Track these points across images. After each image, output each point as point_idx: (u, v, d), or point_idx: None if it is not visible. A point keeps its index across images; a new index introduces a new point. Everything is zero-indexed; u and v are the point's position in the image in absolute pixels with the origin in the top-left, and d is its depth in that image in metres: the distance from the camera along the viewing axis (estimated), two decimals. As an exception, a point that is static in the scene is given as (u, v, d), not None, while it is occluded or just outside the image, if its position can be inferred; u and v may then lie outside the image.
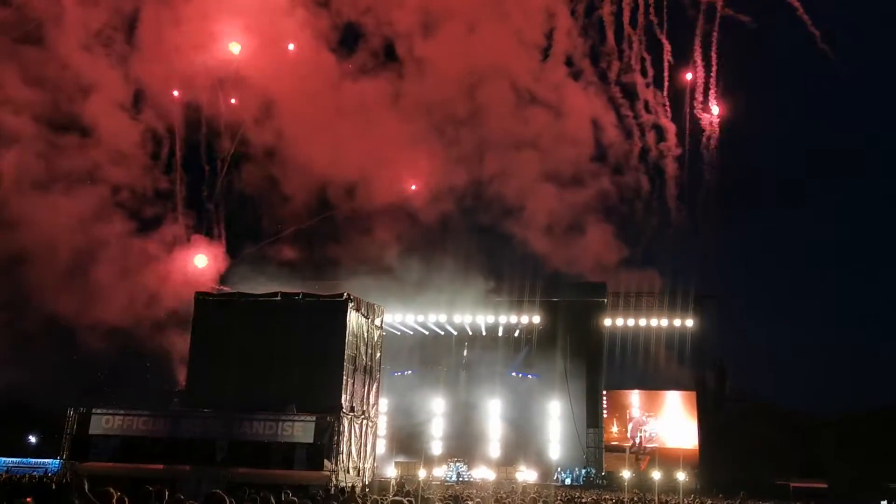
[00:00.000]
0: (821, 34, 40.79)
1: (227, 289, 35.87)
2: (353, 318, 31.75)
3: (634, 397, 41.54)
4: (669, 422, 41.07)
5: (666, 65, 42.76)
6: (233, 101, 41.31)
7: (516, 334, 41.36)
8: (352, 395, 31.12)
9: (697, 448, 39.90)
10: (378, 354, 34.09)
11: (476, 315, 38.92)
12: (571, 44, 43.08)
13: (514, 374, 42.08)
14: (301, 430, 28.51)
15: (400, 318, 38.47)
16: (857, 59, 42.42)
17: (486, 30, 42.03)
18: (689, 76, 42.22)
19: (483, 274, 38.34)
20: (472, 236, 40.83)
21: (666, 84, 42.92)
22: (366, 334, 32.95)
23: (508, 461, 39.80)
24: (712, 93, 42.52)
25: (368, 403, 33.16)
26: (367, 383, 32.82)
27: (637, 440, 40.70)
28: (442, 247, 38.56)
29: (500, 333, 41.40)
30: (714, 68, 42.20)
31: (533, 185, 41.35)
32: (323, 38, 42.83)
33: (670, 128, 43.46)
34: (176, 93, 40.28)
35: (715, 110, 42.25)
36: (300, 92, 42.24)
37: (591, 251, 41.70)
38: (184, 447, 28.07)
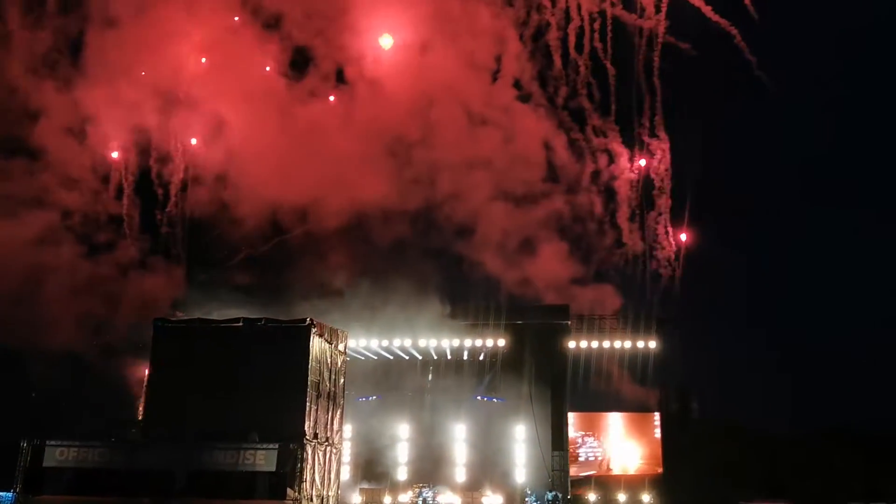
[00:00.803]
0: (756, 61, 43.26)
1: (180, 314, 36.13)
2: (317, 344, 32.06)
3: (599, 419, 42.22)
4: (634, 443, 41.62)
5: (612, 90, 44.86)
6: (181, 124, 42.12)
7: (481, 358, 42.00)
8: (315, 422, 31.32)
9: (661, 469, 40.57)
10: (342, 380, 34.22)
11: (440, 339, 39.23)
12: (520, 67, 44.77)
13: (479, 398, 42.44)
14: (263, 458, 28.59)
15: (364, 343, 38.69)
16: (790, 84, 44.88)
17: (436, 52, 43.53)
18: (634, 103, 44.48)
19: (442, 298, 39.14)
20: (428, 259, 42.05)
21: (613, 108, 45.06)
22: (329, 360, 33.24)
23: (474, 486, 39.94)
24: (657, 118, 44.62)
25: (332, 430, 33.30)
26: (330, 409, 32.98)
27: (601, 462, 41.73)
28: (398, 270, 39.63)
29: (465, 357, 41.77)
30: (658, 94, 44.40)
31: (486, 206, 42.73)
32: (273, 60, 44.10)
33: (621, 151, 45.44)
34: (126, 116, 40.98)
35: (662, 135, 44.39)
36: (250, 114, 43.12)
37: (548, 272, 43.13)
38: (141, 479, 28.02)
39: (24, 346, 34.30)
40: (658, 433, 41.51)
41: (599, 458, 41.50)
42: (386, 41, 42.56)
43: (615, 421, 42.13)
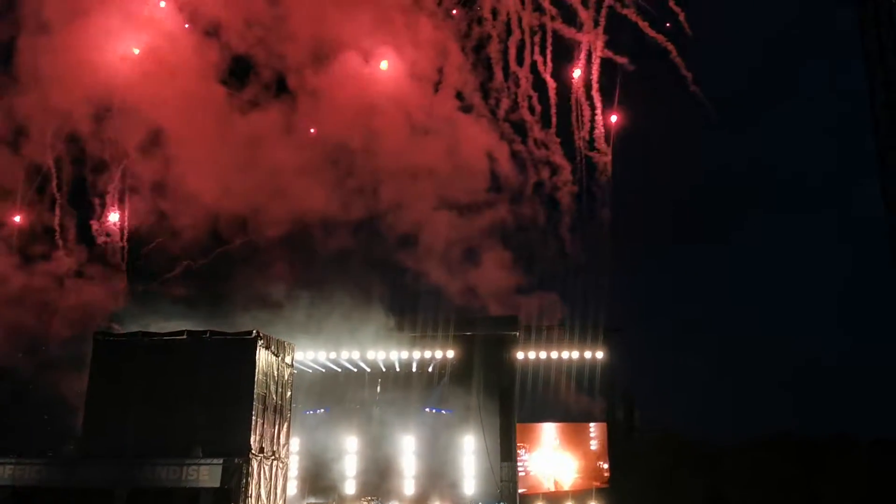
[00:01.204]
0: (692, 76, 45.29)
1: (117, 327, 35.72)
2: (263, 357, 32.03)
3: (547, 430, 43.11)
4: (580, 453, 42.28)
5: (553, 103, 46.35)
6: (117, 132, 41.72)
7: (430, 369, 42.48)
8: (261, 436, 31.30)
9: (607, 479, 41.50)
10: (289, 393, 34.32)
11: (388, 351, 39.48)
12: (462, 79, 45.85)
13: (427, 409, 42.89)
14: (207, 474, 28.37)
15: (311, 355, 38.71)
16: (725, 100, 47.37)
17: (378, 62, 44.19)
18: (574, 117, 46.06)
19: (388, 309, 39.58)
20: (373, 270, 42.59)
21: (553, 121, 46.47)
22: (276, 372, 33.26)
23: (423, 498, 40.43)
24: (597, 132, 46.22)
25: (279, 444, 33.29)
26: (277, 423, 32.97)
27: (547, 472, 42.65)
28: (343, 281, 40.07)
29: (413, 369, 42.07)
30: (598, 108, 46.03)
31: (430, 215, 43.50)
32: (212, 69, 44.14)
33: (562, 163, 46.85)
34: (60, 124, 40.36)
35: (603, 148, 46.01)
36: (188, 123, 42.97)
37: (492, 281, 44.09)
38: (80, 497, 27.65)
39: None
40: (594, 445, 42.40)
41: (531, 473, 41.67)
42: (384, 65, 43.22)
43: (548, 432, 42.64)
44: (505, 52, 46.08)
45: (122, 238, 40.17)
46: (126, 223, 40.83)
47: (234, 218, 42.53)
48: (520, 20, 46.24)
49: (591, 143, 46.00)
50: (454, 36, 45.68)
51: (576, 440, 42.60)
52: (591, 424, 42.68)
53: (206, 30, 43.75)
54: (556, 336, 42.58)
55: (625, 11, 45.33)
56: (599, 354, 42.48)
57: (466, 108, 45.47)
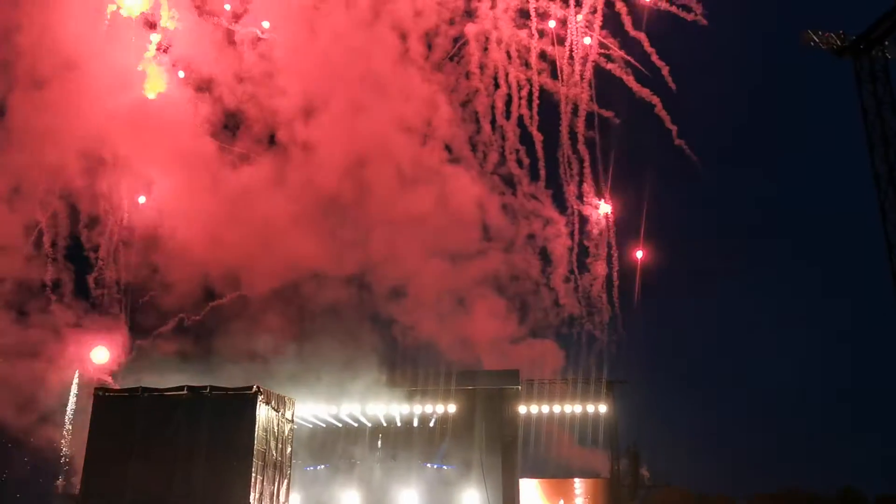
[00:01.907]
0: (677, 130, 47.50)
1: (109, 381, 36.35)
2: (263, 412, 32.56)
3: (550, 485, 43.36)
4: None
5: (541, 156, 48.39)
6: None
7: (432, 424, 43.09)
8: (261, 493, 31.50)
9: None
10: (289, 449, 34.66)
11: (389, 406, 40.19)
12: (451, 132, 47.66)
13: (429, 465, 43.30)
14: (206, 532, 29.31)
15: (311, 410, 39.50)
16: (711, 153, 49.44)
17: (367, 114, 45.54)
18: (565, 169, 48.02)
19: (388, 363, 40.55)
20: (372, 324, 43.74)
21: (542, 174, 48.34)
22: (276, 428, 33.82)
23: (425, 554, 40.89)
24: (585, 186, 48.15)
25: (278, 501, 33.36)
26: (276, 480, 33.25)
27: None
28: (342, 335, 41.14)
29: (415, 424, 42.72)
30: (586, 161, 48.08)
31: (422, 266, 44.81)
32: (205, 123, 45.94)
33: (554, 215, 48.56)
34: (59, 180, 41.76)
35: (593, 201, 47.87)
36: (180, 177, 44.57)
37: (488, 331, 45.32)
38: (77, 556, 28.22)
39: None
40: (580, 502, 42.69)
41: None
42: None
43: (528, 488, 42.77)
44: (493, 105, 48.63)
45: (119, 291, 41.35)
46: (121, 277, 42.07)
47: (225, 272, 43.96)
48: (507, 74, 48.75)
49: (579, 195, 48.02)
50: (442, 89, 48.05)
51: (561, 497, 43.06)
52: (576, 480, 43.26)
53: (198, 85, 46.06)
54: (559, 389, 43.59)
55: (609, 66, 48.00)
56: (603, 408, 43.35)
57: (455, 160, 47.64)
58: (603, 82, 47.77)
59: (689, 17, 45.96)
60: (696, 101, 49.00)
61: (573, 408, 43.40)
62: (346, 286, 43.86)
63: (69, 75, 40.69)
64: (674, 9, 46.06)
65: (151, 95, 42.98)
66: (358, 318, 42.59)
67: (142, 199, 43.98)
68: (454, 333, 43.63)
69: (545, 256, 47.83)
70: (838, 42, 39.05)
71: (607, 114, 47.70)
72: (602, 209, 47.69)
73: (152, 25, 44.86)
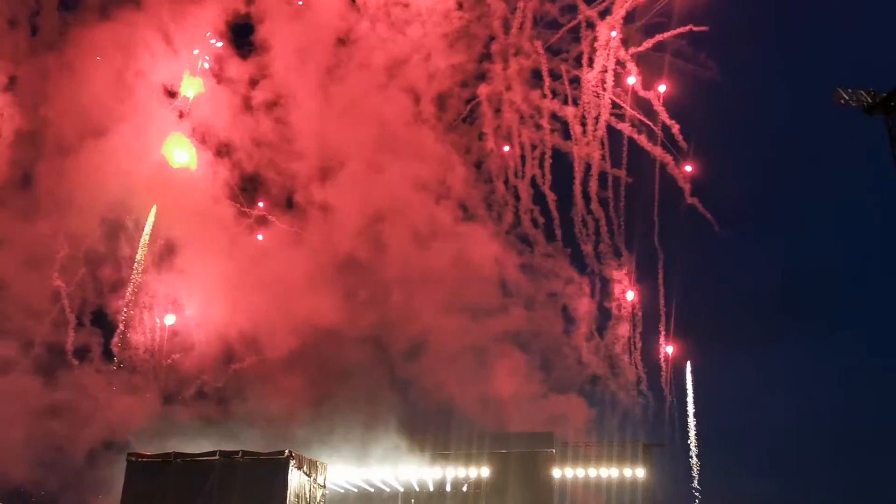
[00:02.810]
0: (690, 189, 49.24)
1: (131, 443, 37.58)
2: (295, 477, 33.31)
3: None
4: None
5: (555, 215, 50.25)
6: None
7: (465, 489, 43.15)
8: (294, 561, 32.65)
9: None
10: (321, 514, 35.98)
11: (422, 469, 40.59)
12: (465, 191, 49.50)
13: (462, 531, 44.07)
14: None
15: (343, 474, 39.81)
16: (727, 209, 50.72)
17: (382, 174, 47.59)
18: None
19: (414, 425, 41.46)
20: (394, 383, 44.90)
21: (558, 233, 49.71)
22: (308, 493, 34.25)
23: None
24: (603, 246, 49.86)
25: (312, 568, 34.57)
26: (309, 546, 34.49)
27: None
28: (364, 396, 42.42)
29: (447, 488, 42.58)
30: (603, 220, 49.81)
31: (443, 324, 45.87)
32: (225, 187, 48.29)
33: (572, 274, 50.00)
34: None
35: (611, 262, 49.44)
36: (201, 242, 46.57)
37: (515, 390, 46.12)
38: None
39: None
40: None
41: None
42: None
43: None
44: (505, 167, 50.82)
45: (152, 356, 42.87)
46: (150, 340, 43.64)
47: (245, 335, 45.43)
48: (519, 134, 51.08)
49: (596, 255, 49.59)
50: (456, 149, 50.32)
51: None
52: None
53: (217, 150, 48.57)
54: (594, 452, 44.24)
55: (620, 126, 50.28)
56: (640, 472, 43.86)
57: (470, 218, 49.53)
58: (616, 142, 50.00)
59: (706, 74, 48.49)
60: (715, 159, 50.67)
61: (609, 471, 43.78)
62: (369, 346, 44.97)
63: (93, 143, 43.21)
64: (689, 66, 48.68)
65: (172, 162, 45.34)
66: (381, 379, 43.64)
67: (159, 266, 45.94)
68: (478, 391, 44.54)
69: (566, 315, 49.15)
70: (869, 99, 39.70)
71: (619, 173, 49.70)
72: (629, 296, 49.36)
73: (172, 94, 47.82)
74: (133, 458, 32.69)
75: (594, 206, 49.61)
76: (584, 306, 49.51)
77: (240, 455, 33.22)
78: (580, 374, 47.18)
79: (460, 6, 50.79)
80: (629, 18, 49.33)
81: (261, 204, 48.85)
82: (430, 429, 42.47)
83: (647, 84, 49.16)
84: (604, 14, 49.65)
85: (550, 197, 49.83)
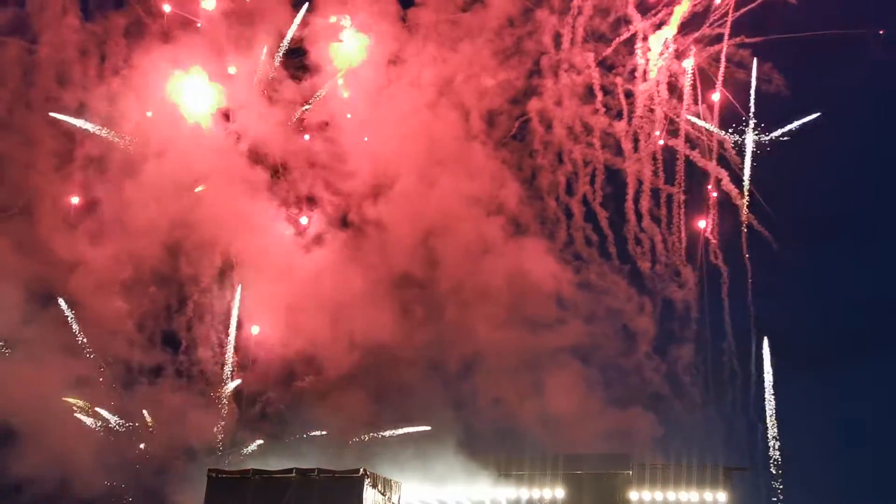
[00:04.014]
0: (757, 219, 50.18)
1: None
2: (370, 496, 34.69)
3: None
4: None
5: (608, 233, 51.86)
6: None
7: (539, 511, 45.06)
8: (369, 577, 34.16)
9: None
10: (396, 533, 37.14)
11: (496, 490, 41.90)
12: (518, 207, 51.00)
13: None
14: None
15: (417, 493, 40.84)
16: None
17: (434, 190, 49.83)
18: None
19: (487, 444, 43.21)
20: (463, 400, 46.34)
21: (614, 252, 51.24)
22: (382, 512, 36.72)
23: None
24: (658, 267, 51.24)
25: (387, 586, 36.00)
26: (384, 564, 35.98)
27: None
28: (436, 414, 44.18)
29: (521, 510, 44.95)
30: (658, 236, 51.31)
31: (508, 342, 47.39)
32: (281, 207, 50.78)
33: (630, 293, 51.36)
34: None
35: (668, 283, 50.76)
36: (257, 262, 49.16)
37: (582, 407, 47.31)
38: None
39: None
40: None
41: None
42: None
43: None
44: (556, 184, 52.74)
45: (226, 375, 45.77)
46: (216, 357, 46.61)
47: (305, 354, 47.71)
48: (570, 151, 53.08)
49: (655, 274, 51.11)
50: (507, 166, 52.36)
51: None
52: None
53: (272, 171, 51.43)
54: (672, 474, 45.25)
55: (672, 142, 52.14)
56: (721, 496, 44.61)
57: (523, 233, 51.40)
58: (670, 156, 51.66)
59: (771, 88, 50.06)
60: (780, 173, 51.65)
61: (689, 496, 44.61)
62: (429, 364, 47.06)
63: (153, 166, 46.49)
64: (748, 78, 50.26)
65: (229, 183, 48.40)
66: (446, 396, 45.50)
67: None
68: (542, 409, 45.91)
69: (628, 332, 50.57)
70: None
71: (674, 190, 51.39)
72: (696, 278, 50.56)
73: (227, 116, 50.87)
74: (213, 474, 34.65)
75: (646, 223, 51.16)
76: (644, 324, 50.81)
77: (316, 473, 34.96)
78: (649, 393, 48.40)
79: (511, 23, 53.01)
80: (684, 29, 51.23)
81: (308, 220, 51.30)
82: (498, 447, 43.70)
83: (703, 96, 50.77)
84: (659, 25, 51.27)
85: (602, 214, 51.49)
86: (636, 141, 51.96)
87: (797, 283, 52.72)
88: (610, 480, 43.66)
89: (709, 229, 50.73)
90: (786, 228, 50.57)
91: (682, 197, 50.71)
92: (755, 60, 49.28)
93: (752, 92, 49.52)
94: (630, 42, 51.85)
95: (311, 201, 51.13)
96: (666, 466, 44.64)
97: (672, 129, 51.86)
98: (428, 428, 42.49)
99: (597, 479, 43.54)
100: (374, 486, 35.43)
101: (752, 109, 49.74)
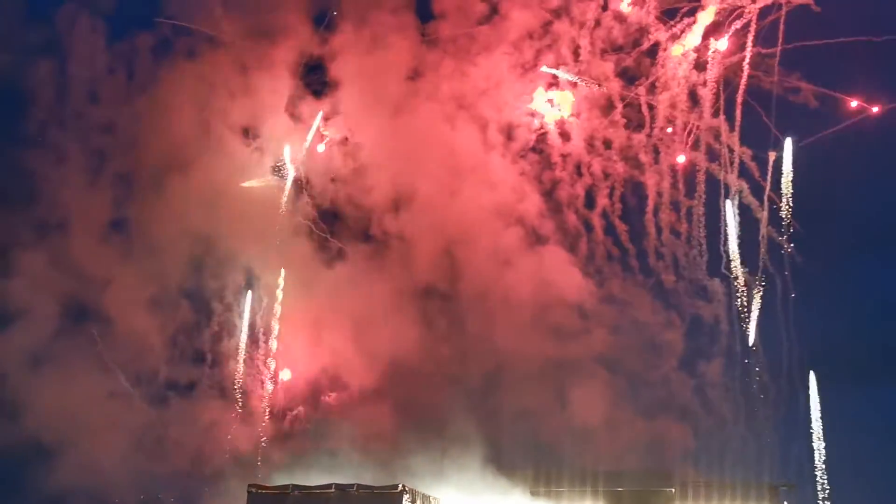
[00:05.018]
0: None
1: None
2: (408, 511, 36.75)
3: None
4: None
5: (627, 245, 52.64)
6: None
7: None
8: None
9: None
10: (435, 549, 38.18)
11: (536, 505, 42.02)
12: (537, 220, 51.99)
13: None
14: None
15: None
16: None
17: (453, 201, 51.08)
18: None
19: (526, 459, 44.34)
20: (496, 415, 47.24)
21: (635, 264, 51.88)
22: (420, 528, 37.53)
23: None
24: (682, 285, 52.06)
25: None
26: (424, 580, 36.72)
27: None
28: (467, 430, 45.14)
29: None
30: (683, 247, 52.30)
31: (533, 353, 48.15)
32: (304, 222, 52.21)
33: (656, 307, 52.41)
34: None
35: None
36: (283, 275, 50.66)
37: (613, 418, 48.29)
38: None
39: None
40: None
41: None
42: None
43: None
44: (574, 198, 53.93)
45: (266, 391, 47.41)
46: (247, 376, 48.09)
47: (332, 370, 49.13)
48: (589, 165, 54.28)
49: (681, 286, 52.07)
50: (526, 178, 53.64)
51: None
52: None
53: (294, 186, 52.89)
54: (718, 493, 45.88)
55: (693, 155, 53.01)
56: (768, 514, 45.33)
57: (542, 243, 52.28)
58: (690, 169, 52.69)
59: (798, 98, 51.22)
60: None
61: (735, 513, 45.41)
62: (463, 380, 47.97)
63: (179, 182, 48.25)
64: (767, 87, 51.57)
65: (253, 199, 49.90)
66: (481, 412, 46.48)
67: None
68: (582, 425, 46.73)
69: (654, 345, 51.39)
70: None
71: (690, 202, 52.24)
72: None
73: (248, 133, 52.42)
74: (253, 490, 35.73)
75: (666, 236, 52.05)
76: (674, 337, 51.54)
77: (354, 489, 35.98)
78: (687, 408, 49.13)
79: (531, 36, 54.39)
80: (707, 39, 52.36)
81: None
82: (536, 463, 44.52)
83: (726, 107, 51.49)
84: (677, 36, 52.14)
85: (621, 227, 52.44)
86: (657, 153, 52.63)
87: (839, 296, 53.29)
88: (652, 498, 44.24)
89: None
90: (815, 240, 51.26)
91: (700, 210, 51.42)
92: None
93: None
94: (651, 53, 52.73)
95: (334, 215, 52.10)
96: (709, 483, 45.16)
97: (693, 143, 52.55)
98: (462, 444, 42.90)
99: (638, 496, 44.25)
100: (413, 501, 36.43)
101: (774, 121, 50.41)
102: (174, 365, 48.24)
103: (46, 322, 45.43)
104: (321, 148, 52.91)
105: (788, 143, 49.71)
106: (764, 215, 51.19)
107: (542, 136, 53.96)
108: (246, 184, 49.53)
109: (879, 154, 52.11)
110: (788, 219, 50.07)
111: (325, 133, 53.79)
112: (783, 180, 49.70)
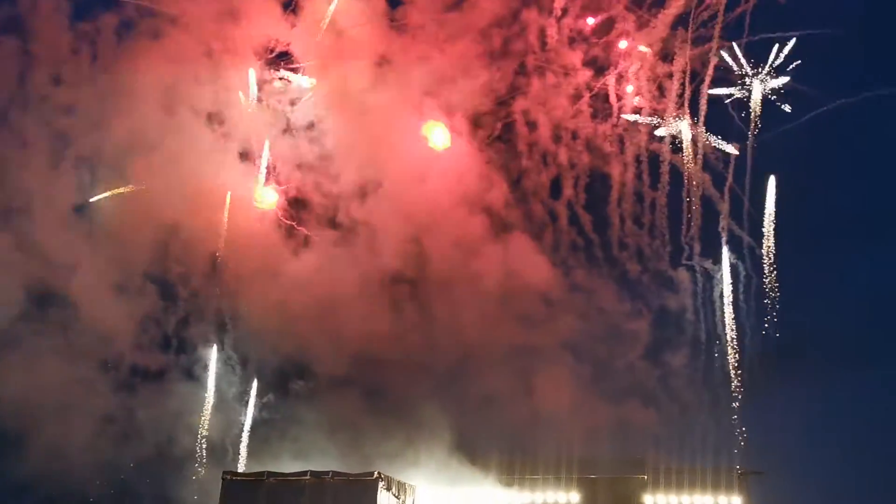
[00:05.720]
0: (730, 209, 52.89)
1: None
2: (384, 498, 36.45)
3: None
4: None
5: (593, 237, 54.30)
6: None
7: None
8: (381, 580, 35.64)
9: None
10: (411, 536, 38.38)
11: (510, 493, 43.92)
12: (504, 210, 52.89)
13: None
14: None
15: (431, 496, 42.68)
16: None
17: (422, 188, 51.92)
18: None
19: (500, 447, 45.25)
20: (469, 402, 47.86)
21: (598, 254, 53.32)
22: (396, 515, 38.25)
23: None
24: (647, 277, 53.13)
25: (402, 589, 37.41)
26: (399, 569, 37.44)
27: None
28: (445, 417, 45.78)
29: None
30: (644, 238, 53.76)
31: (506, 339, 49.27)
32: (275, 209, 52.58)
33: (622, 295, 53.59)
34: None
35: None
36: (250, 264, 51.25)
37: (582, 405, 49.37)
38: None
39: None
40: None
41: None
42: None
43: None
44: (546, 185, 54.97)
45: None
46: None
47: (301, 356, 49.84)
48: (555, 154, 55.35)
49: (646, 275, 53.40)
50: (493, 167, 54.51)
51: None
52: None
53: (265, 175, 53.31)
54: (689, 480, 47.28)
55: (655, 146, 54.63)
56: (736, 501, 46.64)
57: (508, 231, 52.90)
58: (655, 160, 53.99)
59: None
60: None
61: (703, 499, 46.66)
62: (434, 367, 48.67)
63: (144, 164, 48.68)
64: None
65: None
66: (454, 400, 47.15)
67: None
68: (554, 411, 47.68)
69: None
70: None
71: (654, 193, 53.25)
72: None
73: (210, 116, 52.69)
74: (228, 477, 36.27)
75: (629, 226, 53.20)
76: (641, 326, 52.78)
77: (330, 476, 36.63)
78: (658, 395, 50.40)
79: (499, 24, 55.20)
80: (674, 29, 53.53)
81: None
82: (511, 451, 45.35)
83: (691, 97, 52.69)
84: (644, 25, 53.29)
85: (585, 217, 53.58)
86: (622, 144, 53.66)
87: (805, 283, 54.65)
88: (625, 484, 45.39)
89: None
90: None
91: (663, 201, 52.72)
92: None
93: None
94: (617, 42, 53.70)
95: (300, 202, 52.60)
96: (681, 470, 46.40)
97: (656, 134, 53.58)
98: (437, 432, 43.81)
99: (612, 482, 45.35)
100: (389, 488, 37.04)
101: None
102: (142, 351, 48.12)
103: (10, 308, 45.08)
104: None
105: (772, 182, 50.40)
106: (725, 207, 52.43)
107: (510, 125, 54.11)
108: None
109: (841, 147, 53.56)
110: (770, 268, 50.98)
111: (290, 118, 53.48)
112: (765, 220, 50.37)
